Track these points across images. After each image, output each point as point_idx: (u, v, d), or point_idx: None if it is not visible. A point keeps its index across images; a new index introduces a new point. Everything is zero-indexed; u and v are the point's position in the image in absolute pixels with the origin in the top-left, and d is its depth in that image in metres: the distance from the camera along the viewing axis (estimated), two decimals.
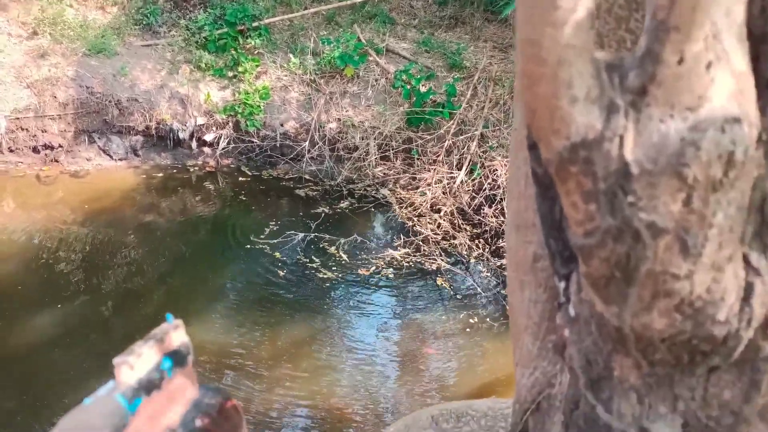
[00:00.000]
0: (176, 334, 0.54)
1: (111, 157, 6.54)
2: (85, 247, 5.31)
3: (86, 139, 6.45)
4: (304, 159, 6.78)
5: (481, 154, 6.36)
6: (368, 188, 6.53)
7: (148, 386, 0.49)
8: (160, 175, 6.57)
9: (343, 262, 5.27)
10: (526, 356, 0.74)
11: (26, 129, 6.20)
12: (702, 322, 0.63)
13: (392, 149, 6.67)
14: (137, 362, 0.49)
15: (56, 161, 6.30)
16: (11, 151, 6.16)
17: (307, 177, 6.78)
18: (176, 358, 0.54)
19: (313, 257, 5.29)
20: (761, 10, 0.70)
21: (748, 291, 0.65)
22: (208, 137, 6.83)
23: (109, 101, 6.42)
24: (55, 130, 6.28)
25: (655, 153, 0.58)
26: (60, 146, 6.30)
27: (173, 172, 6.69)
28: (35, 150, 6.25)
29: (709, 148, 0.59)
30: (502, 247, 5.53)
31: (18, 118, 6.13)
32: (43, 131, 6.24)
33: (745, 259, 0.66)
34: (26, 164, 6.23)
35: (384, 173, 6.60)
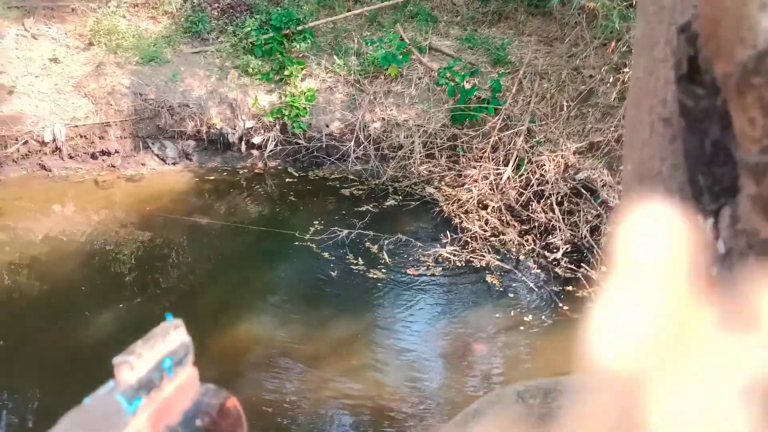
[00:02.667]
0: (176, 333, 0.55)
1: (164, 161, 6.75)
2: (141, 248, 5.50)
3: (141, 145, 6.69)
4: (350, 159, 6.83)
5: (527, 149, 6.27)
6: (414, 186, 6.53)
7: (149, 386, 0.50)
8: (212, 177, 6.75)
9: (390, 260, 5.28)
10: None
11: (85, 136, 6.47)
12: None
13: (437, 147, 6.65)
14: (137, 362, 0.50)
15: (113, 166, 6.55)
16: (71, 157, 6.44)
17: (352, 177, 6.83)
18: (177, 357, 0.54)
19: (359, 256, 5.33)
20: None
21: None
22: (256, 140, 6.97)
23: (162, 107, 6.64)
24: (112, 136, 6.53)
25: None
26: (116, 152, 6.54)
27: (223, 174, 6.86)
28: (93, 156, 6.52)
29: None
30: (552, 243, 5.44)
31: (77, 126, 6.40)
32: (100, 138, 6.50)
33: None
34: (85, 170, 6.50)
35: (429, 171, 6.59)
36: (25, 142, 6.24)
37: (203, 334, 4.42)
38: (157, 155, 6.76)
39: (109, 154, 6.53)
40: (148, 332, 0.50)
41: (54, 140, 6.27)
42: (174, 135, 6.76)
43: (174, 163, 6.79)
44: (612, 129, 6.28)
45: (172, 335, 0.52)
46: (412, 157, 6.60)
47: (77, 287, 4.89)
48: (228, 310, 4.74)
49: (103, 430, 0.45)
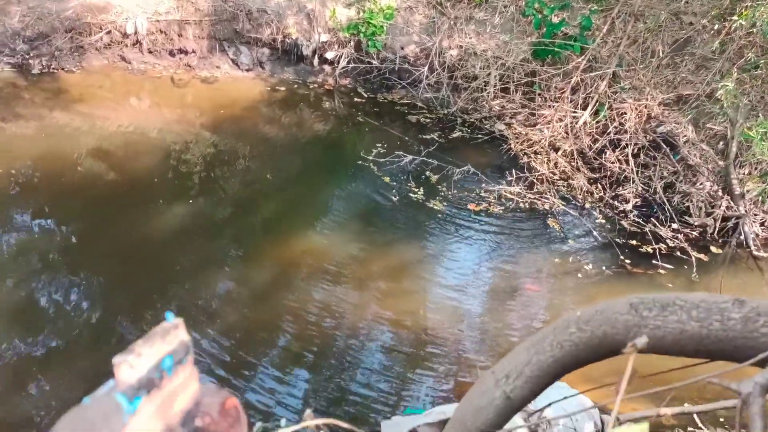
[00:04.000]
0: (176, 332, 0.52)
1: (239, 66, 6.77)
2: (210, 151, 5.63)
3: (217, 47, 6.71)
4: (421, 85, 6.68)
5: (610, 94, 5.96)
6: (483, 120, 6.37)
7: (148, 385, 0.48)
8: (282, 89, 6.75)
9: (451, 193, 5.24)
10: None
11: (164, 32, 6.53)
12: None
13: (513, 82, 6.40)
14: (137, 361, 0.47)
15: (189, 66, 6.62)
16: (150, 52, 6.53)
17: (420, 104, 6.70)
18: (177, 357, 0.52)
19: (420, 184, 5.30)
20: None
21: None
22: (330, 55, 6.88)
23: (241, 11, 6.59)
24: (190, 35, 6.57)
25: None
26: (193, 51, 6.59)
27: (294, 87, 6.85)
28: (171, 53, 6.59)
29: None
30: (621, 194, 5.26)
31: (158, 21, 6.45)
32: (179, 35, 6.54)
33: None
34: (162, 66, 6.60)
35: (502, 106, 6.39)
36: (108, 32, 6.35)
37: (260, 240, 4.56)
38: (232, 59, 6.77)
39: (186, 52, 6.59)
40: (148, 332, 0.49)
41: (135, 32, 6.36)
42: (250, 41, 6.74)
43: (247, 70, 6.80)
44: (705, 82, 5.88)
45: (172, 335, 0.51)
46: (485, 90, 6.40)
47: (148, 180, 5.07)
48: (286, 220, 4.85)
49: (103, 430, 0.44)
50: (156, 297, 3.96)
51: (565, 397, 1.42)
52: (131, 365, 0.46)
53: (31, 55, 6.20)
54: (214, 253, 4.36)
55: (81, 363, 3.34)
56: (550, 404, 1.41)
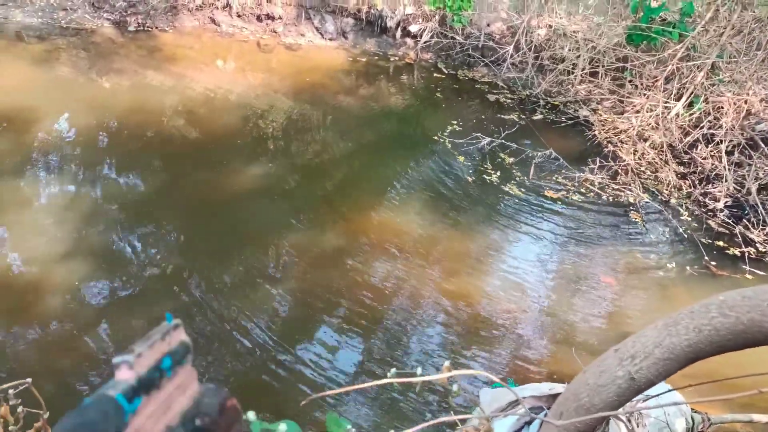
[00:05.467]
0: (176, 333, 0.50)
1: (322, 35, 6.81)
2: (288, 116, 5.72)
3: (303, 15, 6.76)
4: (505, 64, 6.51)
5: (707, 86, 5.61)
6: (568, 104, 6.15)
7: (148, 386, 0.46)
8: (364, 60, 6.75)
9: (528, 176, 5.10)
10: None
11: None
12: None
13: (603, 66, 6.13)
14: (137, 361, 0.45)
15: (275, 32, 6.72)
16: (239, 16, 6.67)
17: (502, 83, 6.54)
18: (176, 357, 0.49)
19: (496, 166, 5.19)
20: None
21: None
22: (413, 28, 6.81)
23: None
24: (278, 2, 6.65)
25: None
26: (280, 18, 6.68)
27: (375, 59, 6.83)
28: (258, 18, 6.70)
29: None
30: (710, 192, 4.98)
31: None
32: (267, 1, 6.64)
33: None
34: (249, 30, 6.73)
35: (588, 91, 6.14)
36: None
37: (329, 207, 4.61)
38: (316, 28, 6.82)
39: (273, 18, 6.69)
40: (148, 332, 0.48)
41: None
42: (335, 10, 6.75)
43: (331, 39, 6.84)
44: None
45: (172, 335, 0.50)
46: (573, 73, 6.17)
47: (228, 140, 5.21)
48: (356, 191, 4.88)
49: (103, 430, 0.43)
50: (227, 253, 4.10)
51: (660, 394, 1.36)
52: (131, 365, 0.47)
53: (128, 12, 6.45)
54: (284, 215, 4.44)
55: (153, 309, 3.50)
56: (648, 397, 1.35)
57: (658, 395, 1.46)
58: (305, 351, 3.36)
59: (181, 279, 3.73)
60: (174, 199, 4.48)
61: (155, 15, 6.50)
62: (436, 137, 5.56)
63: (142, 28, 6.47)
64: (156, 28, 6.51)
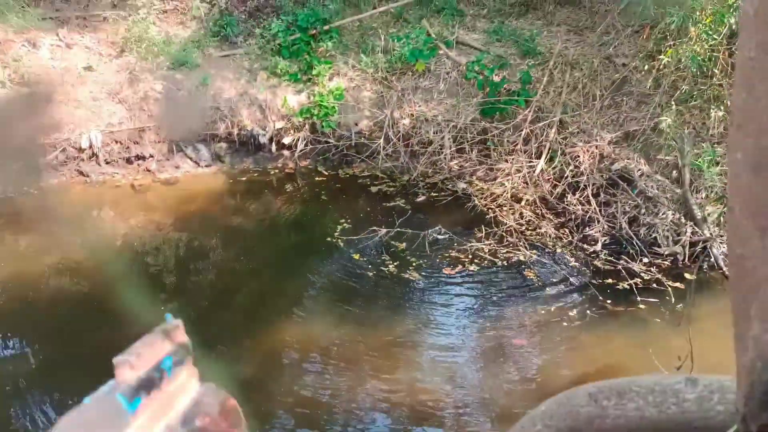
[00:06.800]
0: (176, 333, 0.54)
1: (198, 164, 6.84)
2: (177, 250, 5.58)
3: (174, 149, 6.78)
4: (380, 156, 6.82)
5: (560, 140, 6.17)
6: (445, 182, 6.49)
7: (148, 386, 0.49)
8: (244, 178, 6.81)
9: (423, 258, 5.24)
10: None
11: (120, 142, 6.59)
12: None
13: (467, 141, 6.59)
14: (137, 361, 0.48)
15: (148, 170, 6.65)
16: (107, 162, 6.56)
17: (382, 174, 6.81)
18: (176, 357, 0.53)
19: (391, 255, 5.30)
20: None
21: None
22: (287, 140, 7.01)
23: (194, 112, 6.72)
24: (146, 141, 6.64)
25: None
26: (151, 156, 6.65)
27: (255, 175, 6.91)
28: (129, 161, 6.63)
29: None
30: (589, 235, 5.34)
31: (112, 132, 6.53)
32: (135, 143, 6.61)
33: None
34: (121, 174, 6.62)
35: (460, 166, 6.54)
36: (63, 149, 6.38)
37: (240, 334, 4.46)
38: (191, 158, 6.84)
39: (144, 158, 6.64)
40: (148, 333, 0.50)
41: (90, 146, 6.40)
42: (206, 138, 6.84)
43: (207, 166, 6.87)
44: (648, 117, 6.15)
45: (172, 335, 0.51)
46: (442, 153, 6.56)
47: (119, 290, 4.97)
48: (264, 311, 4.78)
49: (103, 430, 0.44)
50: None
51: None
52: (131, 366, 0.45)
53: None
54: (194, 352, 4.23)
55: None
56: None
57: None
58: None
59: None
60: (72, 363, 4.14)
61: (16, 179, 6.25)
62: (329, 238, 5.62)
63: (3, 195, 6.18)
64: (19, 192, 6.24)
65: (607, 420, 0.94)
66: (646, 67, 6.42)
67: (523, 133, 6.25)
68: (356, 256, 5.31)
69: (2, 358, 4.19)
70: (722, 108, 5.68)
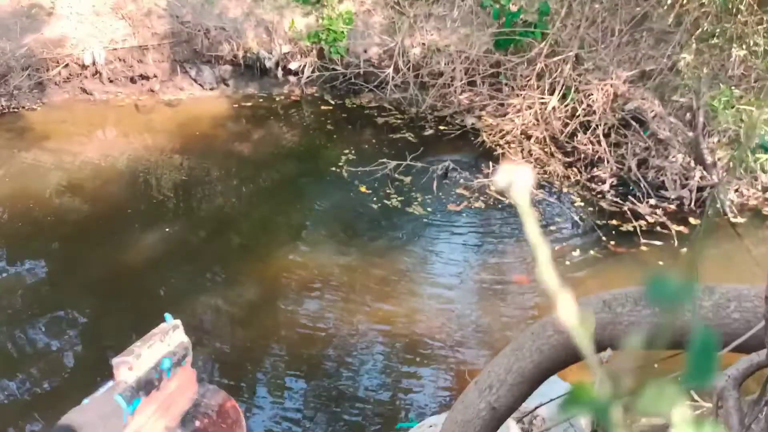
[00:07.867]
0: (175, 334, 0.51)
1: (202, 86, 6.70)
2: (180, 174, 5.56)
3: (178, 69, 6.63)
4: (388, 86, 6.66)
5: (575, 77, 5.99)
6: (454, 115, 6.36)
7: (147, 386, 0.46)
8: (248, 104, 6.69)
9: (429, 193, 5.21)
10: None
11: (123, 60, 6.43)
12: None
13: (479, 74, 6.41)
14: (136, 363, 0.46)
15: (152, 91, 6.53)
16: (110, 81, 6.44)
17: (389, 105, 6.67)
18: (176, 358, 0.50)
19: (396, 189, 5.27)
20: None
21: None
22: (293, 65, 6.83)
23: (199, 30, 6.52)
24: (150, 60, 6.48)
25: None
26: (155, 76, 6.51)
27: (260, 101, 6.79)
28: (132, 80, 6.50)
29: None
30: (597, 176, 5.29)
31: (115, 49, 6.36)
32: (139, 62, 6.46)
33: None
34: (125, 94, 6.50)
35: (470, 100, 6.39)
36: (66, 65, 6.25)
37: (240, 260, 4.51)
38: (195, 80, 6.70)
39: (147, 78, 6.51)
40: (148, 333, 0.47)
41: (94, 63, 6.26)
42: (211, 60, 6.67)
43: (211, 89, 6.74)
44: (666, 56, 5.94)
45: (171, 336, 0.50)
46: (453, 85, 6.40)
47: (121, 211, 4.99)
48: (265, 238, 4.80)
49: (103, 431, 0.42)
50: (141, 327, 3.89)
51: (552, 399, 1.40)
52: (130, 367, 0.45)
53: None
54: (194, 278, 4.29)
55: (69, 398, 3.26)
56: (541, 404, 1.39)
57: (556, 398, 1.51)
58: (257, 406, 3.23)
59: (95, 363, 3.49)
60: (74, 281, 4.22)
61: (20, 94, 6.15)
62: (334, 168, 5.58)
63: (8, 110, 6.10)
64: (23, 108, 6.16)
65: (619, 326, 0.94)
66: (669, 1, 6.13)
67: (537, 67, 6.06)
68: (362, 188, 5.28)
69: (7, 274, 4.26)
70: (744, 47, 5.47)
